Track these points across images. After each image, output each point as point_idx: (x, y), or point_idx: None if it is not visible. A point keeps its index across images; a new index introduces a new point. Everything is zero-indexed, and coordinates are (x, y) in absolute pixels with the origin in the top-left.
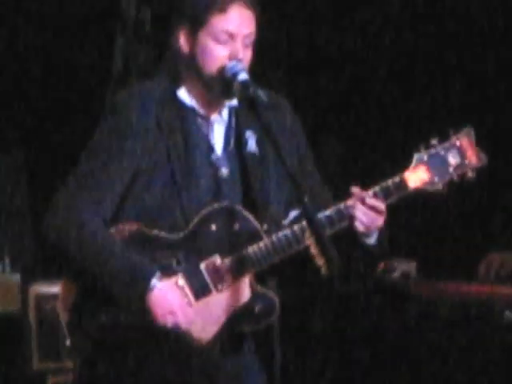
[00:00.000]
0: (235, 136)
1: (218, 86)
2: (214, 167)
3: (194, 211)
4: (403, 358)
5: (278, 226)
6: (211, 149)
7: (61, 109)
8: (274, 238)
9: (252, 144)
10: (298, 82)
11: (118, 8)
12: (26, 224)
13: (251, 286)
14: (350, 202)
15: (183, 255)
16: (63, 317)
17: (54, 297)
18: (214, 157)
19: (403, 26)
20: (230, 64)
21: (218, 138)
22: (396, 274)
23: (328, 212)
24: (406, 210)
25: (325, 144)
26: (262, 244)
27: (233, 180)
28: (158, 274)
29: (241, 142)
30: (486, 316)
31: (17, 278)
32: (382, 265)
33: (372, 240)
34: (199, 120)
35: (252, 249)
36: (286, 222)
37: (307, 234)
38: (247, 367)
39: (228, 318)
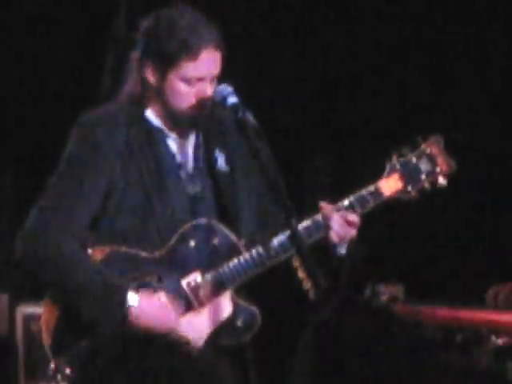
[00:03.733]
0: (204, 155)
1: (185, 119)
2: (185, 185)
3: (169, 229)
4: (390, 380)
5: (252, 241)
6: (181, 167)
7: (50, 129)
8: (253, 252)
9: (222, 162)
10: (283, 97)
11: (108, 26)
12: (12, 245)
13: (233, 300)
14: (325, 214)
15: (164, 273)
16: (46, 339)
17: None
18: (183, 175)
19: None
20: (219, 88)
21: (186, 156)
22: (383, 298)
23: (305, 223)
24: (393, 233)
25: (314, 157)
26: (241, 258)
27: (205, 197)
28: (132, 287)
29: (210, 160)
30: (472, 341)
31: (4, 298)
32: (368, 289)
33: (343, 250)
34: (167, 139)
35: (232, 263)
36: (272, 251)
37: (294, 257)
38: (223, 374)
39: (211, 334)
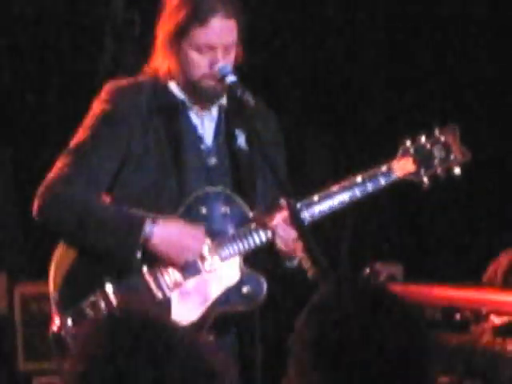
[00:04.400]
0: (225, 132)
1: (205, 91)
2: (203, 156)
3: (182, 196)
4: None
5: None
6: (200, 139)
7: (51, 107)
8: (256, 223)
9: (241, 141)
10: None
11: (107, 8)
12: (12, 224)
13: (240, 268)
14: (272, 223)
15: None
16: (52, 293)
17: (40, 297)
18: (203, 147)
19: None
20: (221, 66)
21: (207, 130)
22: (382, 278)
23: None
24: (394, 212)
25: (314, 138)
26: (251, 228)
27: (222, 170)
28: (149, 217)
29: (230, 138)
30: (471, 320)
31: (3, 278)
32: (368, 269)
33: (294, 263)
34: (189, 112)
35: (242, 232)
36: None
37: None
38: (228, 349)
39: (216, 299)
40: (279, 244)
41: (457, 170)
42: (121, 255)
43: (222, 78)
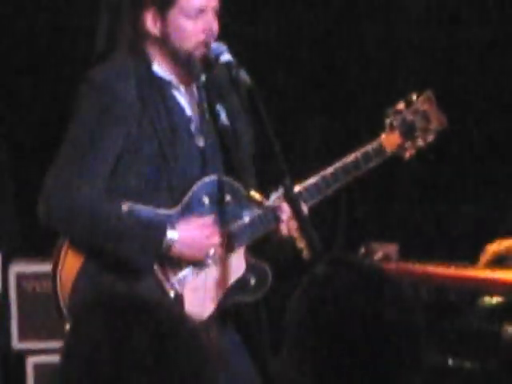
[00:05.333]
0: (208, 110)
1: (196, 61)
2: (194, 138)
3: (181, 184)
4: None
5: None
6: (190, 120)
7: (45, 87)
8: (265, 208)
9: (224, 117)
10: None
11: None
12: (7, 203)
13: (245, 258)
14: (279, 205)
15: None
16: (63, 300)
17: (35, 276)
18: (193, 128)
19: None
20: (213, 45)
21: (193, 110)
22: (377, 257)
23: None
24: (388, 192)
25: (308, 118)
26: (254, 215)
27: (212, 151)
28: (169, 223)
29: (214, 115)
30: (466, 300)
31: None
32: (362, 248)
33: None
34: (176, 93)
35: (245, 220)
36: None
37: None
38: (233, 343)
39: (226, 292)
40: (283, 229)
41: (431, 137)
42: (140, 265)
43: (217, 58)
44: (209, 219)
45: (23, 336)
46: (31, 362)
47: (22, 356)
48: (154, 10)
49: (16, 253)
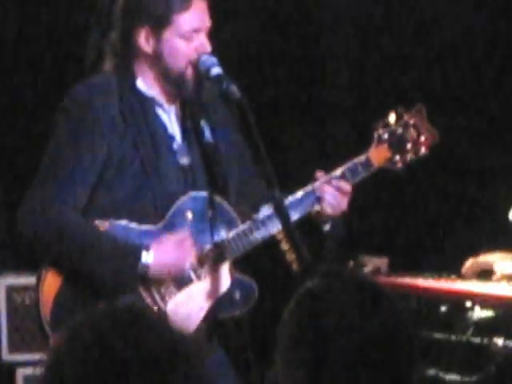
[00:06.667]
0: (192, 127)
1: (187, 81)
2: (177, 157)
3: (164, 201)
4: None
5: (240, 213)
6: (172, 138)
7: (34, 98)
8: (250, 223)
9: (208, 133)
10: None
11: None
12: None
13: (230, 273)
14: (318, 185)
15: None
16: (44, 313)
17: (25, 288)
18: (175, 146)
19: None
20: (203, 58)
21: (176, 127)
22: (366, 270)
23: (298, 195)
24: (377, 205)
25: (297, 131)
26: (239, 230)
27: (196, 168)
28: (143, 245)
29: (197, 132)
30: (455, 313)
31: None
32: (351, 262)
33: (327, 227)
34: (158, 110)
35: (230, 235)
36: (258, 217)
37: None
38: (220, 363)
39: (211, 307)
40: (326, 208)
41: (423, 150)
42: (115, 287)
43: (206, 71)
44: (183, 233)
45: (13, 348)
46: (21, 373)
47: (12, 368)
48: (148, 28)
49: (6, 265)
